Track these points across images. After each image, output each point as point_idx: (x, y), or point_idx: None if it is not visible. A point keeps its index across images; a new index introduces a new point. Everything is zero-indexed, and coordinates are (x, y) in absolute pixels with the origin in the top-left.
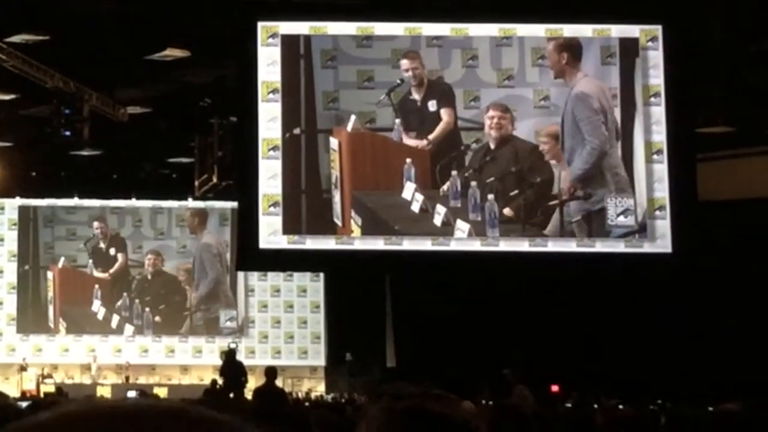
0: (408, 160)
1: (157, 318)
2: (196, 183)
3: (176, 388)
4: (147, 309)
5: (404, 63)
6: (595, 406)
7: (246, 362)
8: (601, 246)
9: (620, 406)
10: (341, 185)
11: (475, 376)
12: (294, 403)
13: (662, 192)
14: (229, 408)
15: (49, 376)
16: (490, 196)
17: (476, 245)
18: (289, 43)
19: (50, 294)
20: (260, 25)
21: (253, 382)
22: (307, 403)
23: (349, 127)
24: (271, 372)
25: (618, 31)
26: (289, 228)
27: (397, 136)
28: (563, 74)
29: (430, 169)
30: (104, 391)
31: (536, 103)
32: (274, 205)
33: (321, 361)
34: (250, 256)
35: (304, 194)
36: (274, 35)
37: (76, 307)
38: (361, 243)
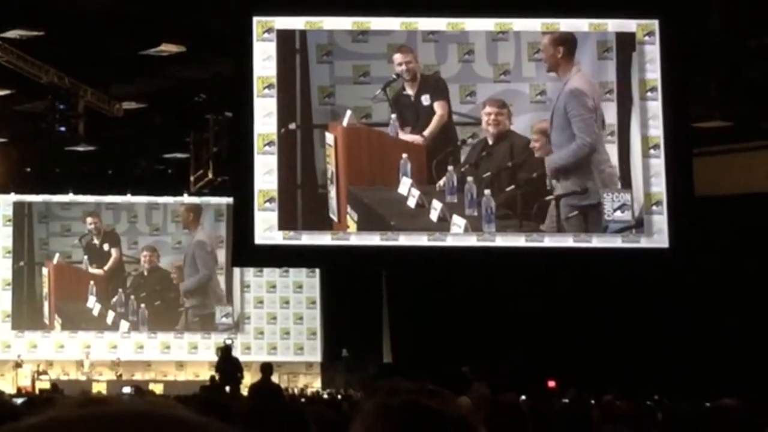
0: (404, 156)
1: (152, 314)
2: (192, 179)
3: (172, 385)
4: (142, 305)
5: (397, 57)
6: (593, 402)
7: (242, 358)
8: (597, 241)
9: (617, 402)
10: (337, 180)
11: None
12: (290, 400)
13: (659, 187)
14: (225, 404)
15: (45, 372)
16: (487, 192)
17: (472, 241)
18: (285, 38)
19: (45, 290)
20: (255, 20)
21: (248, 378)
22: (303, 400)
23: (345, 122)
24: (266, 368)
25: (615, 25)
26: (284, 223)
27: (393, 132)
28: (557, 68)
29: (426, 165)
30: (99, 388)
31: (533, 98)
32: (270, 200)
33: (317, 357)
34: (246, 252)
35: (300, 190)
36: (269, 30)
37: (71, 304)
38: (357, 238)
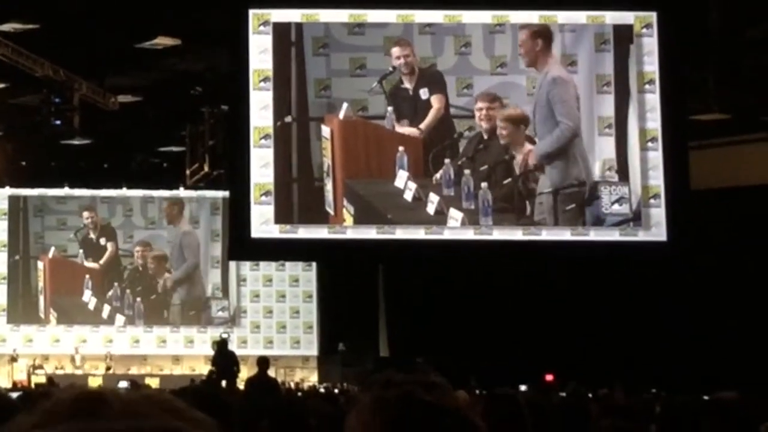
0: (400, 148)
1: (148, 308)
2: (188, 172)
3: (168, 379)
4: (138, 299)
5: (395, 51)
6: (590, 395)
7: (238, 352)
8: (595, 234)
9: (615, 395)
10: (333, 174)
11: (468, 366)
12: (286, 393)
13: (657, 180)
14: (220, 396)
15: (40, 366)
16: (484, 185)
17: (470, 234)
18: (281, 31)
19: (40, 284)
20: (251, 12)
21: (245, 372)
22: (299, 394)
23: (341, 115)
24: (263, 362)
25: (612, 17)
26: (281, 217)
27: (390, 124)
28: (536, 62)
29: (423, 158)
30: (95, 382)
31: (529, 90)
32: (266, 194)
33: (313, 350)
34: (242, 246)
35: (296, 183)
36: (265, 23)
37: (67, 298)
38: (353, 232)
